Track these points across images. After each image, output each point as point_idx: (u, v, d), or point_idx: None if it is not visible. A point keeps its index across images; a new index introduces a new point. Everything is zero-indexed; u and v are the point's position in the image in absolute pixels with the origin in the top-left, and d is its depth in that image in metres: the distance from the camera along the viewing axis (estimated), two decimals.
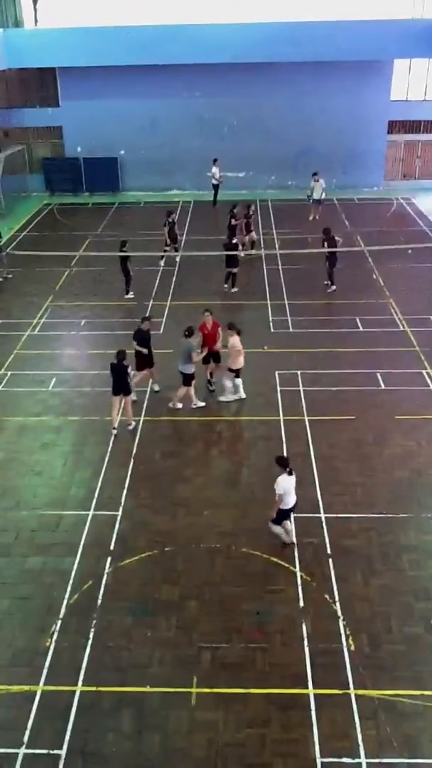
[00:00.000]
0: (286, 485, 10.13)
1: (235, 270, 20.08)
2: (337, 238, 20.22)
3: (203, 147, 30.44)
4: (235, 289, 20.21)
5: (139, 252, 21.33)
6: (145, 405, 14.48)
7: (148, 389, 14.99)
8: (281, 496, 10.15)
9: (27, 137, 31.96)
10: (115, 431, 13.43)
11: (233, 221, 22.19)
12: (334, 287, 20.25)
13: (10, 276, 21.82)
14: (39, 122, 31.78)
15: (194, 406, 14.29)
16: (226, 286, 20.25)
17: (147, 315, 15.25)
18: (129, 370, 13.26)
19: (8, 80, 31.05)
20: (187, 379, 14.02)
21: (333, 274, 20.32)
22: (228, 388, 14.53)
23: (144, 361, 14.38)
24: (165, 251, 22.39)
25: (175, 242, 22.43)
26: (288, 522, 10.64)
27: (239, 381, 14.51)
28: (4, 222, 27.37)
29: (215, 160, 28.58)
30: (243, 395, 14.57)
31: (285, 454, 12.64)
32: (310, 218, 27.03)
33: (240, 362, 14.32)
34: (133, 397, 14.02)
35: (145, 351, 14.21)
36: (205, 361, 14.58)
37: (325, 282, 20.44)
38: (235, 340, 14.12)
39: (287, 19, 28.55)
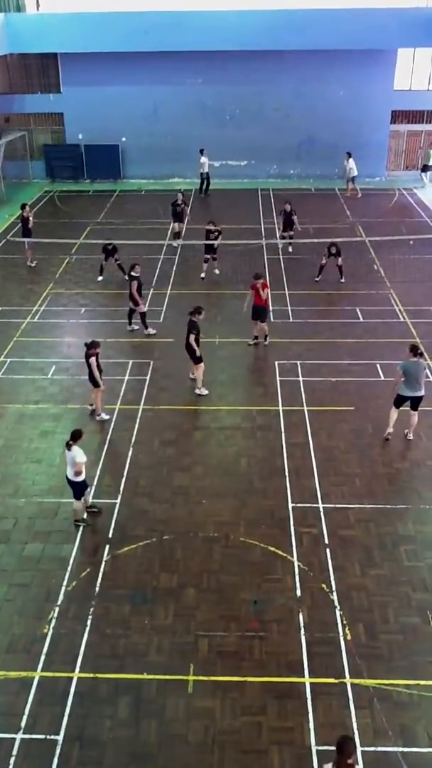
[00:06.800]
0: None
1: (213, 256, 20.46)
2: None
3: (205, 135, 30.29)
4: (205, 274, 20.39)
5: (140, 240, 21.24)
6: (144, 394, 14.48)
7: (147, 378, 15.00)
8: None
9: (28, 123, 31.81)
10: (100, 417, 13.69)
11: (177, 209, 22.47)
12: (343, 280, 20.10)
13: (34, 264, 21.83)
14: (40, 108, 31.60)
15: None
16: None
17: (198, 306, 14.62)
18: (91, 361, 12.98)
19: (10, 66, 30.88)
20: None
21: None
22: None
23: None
24: (284, 237, 22.69)
25: (290, 229, 22.32)
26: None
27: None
28: (4, 209, 27.31)
29: (202, 151, 28.71)
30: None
31: (284, 444, 12.73)
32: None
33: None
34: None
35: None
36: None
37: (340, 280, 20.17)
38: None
39: (291, 7, 28.28)
